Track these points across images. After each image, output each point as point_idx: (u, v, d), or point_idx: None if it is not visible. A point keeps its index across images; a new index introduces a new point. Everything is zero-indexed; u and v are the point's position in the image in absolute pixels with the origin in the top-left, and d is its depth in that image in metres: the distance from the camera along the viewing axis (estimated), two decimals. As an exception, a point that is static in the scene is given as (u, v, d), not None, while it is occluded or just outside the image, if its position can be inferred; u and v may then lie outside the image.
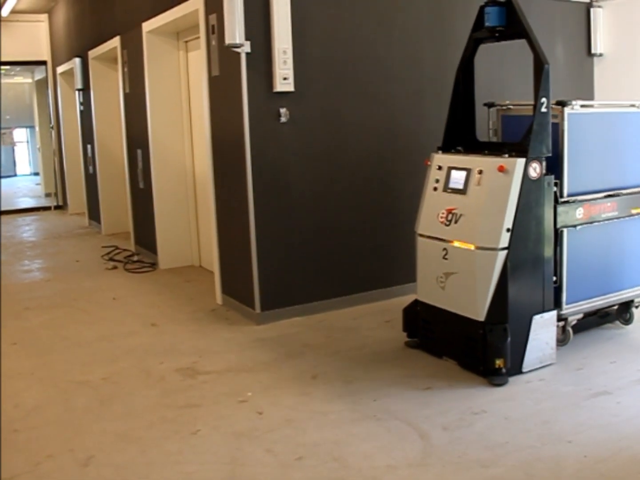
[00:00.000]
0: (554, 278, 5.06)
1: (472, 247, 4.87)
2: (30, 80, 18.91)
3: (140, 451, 4.07)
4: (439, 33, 6.98)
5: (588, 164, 5.23)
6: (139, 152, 9.13)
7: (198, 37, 7.09)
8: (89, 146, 12.02)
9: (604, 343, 5.43)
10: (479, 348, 4.84)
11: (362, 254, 6.72)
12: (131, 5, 8.99)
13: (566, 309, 5.20)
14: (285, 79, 6.08)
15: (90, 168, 12.10)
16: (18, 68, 17.23)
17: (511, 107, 5.65)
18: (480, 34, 5.31)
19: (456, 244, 5.00)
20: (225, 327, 6.31)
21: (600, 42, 7.99)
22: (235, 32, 5.81)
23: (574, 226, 5.12)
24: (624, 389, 4.61)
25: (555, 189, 4.97)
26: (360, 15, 6.51)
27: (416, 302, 5.44)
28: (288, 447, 4.02)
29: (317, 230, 6.48)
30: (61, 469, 3.93)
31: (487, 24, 5.14)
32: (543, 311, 4.96)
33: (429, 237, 5.25)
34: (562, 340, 5.27)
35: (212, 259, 7.25)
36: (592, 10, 7.94)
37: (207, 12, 6.58)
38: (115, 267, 8.94)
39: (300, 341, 5.81)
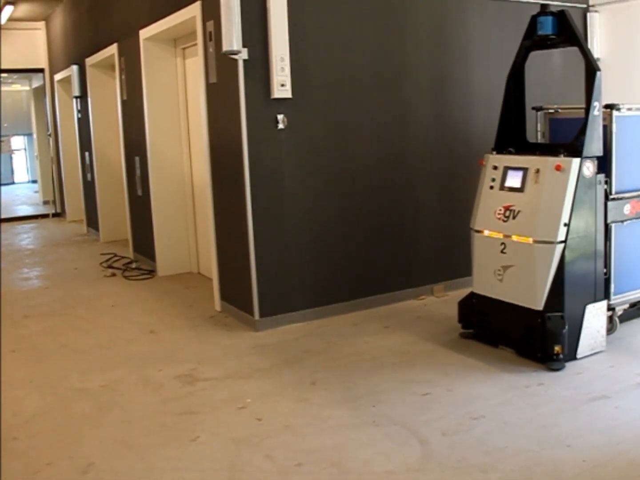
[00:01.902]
0: (604, 270, 5.38)
1: (531, 241, 5.16)
2: (27, 88, 18.90)
3: (139, 458, 4.07)
4: (436, 39, 6.99)
5: (634, 163, 5.56)
6: (137, 159, 9.14)
7: (195, 44, 7.11)
8: (86, 153, 12.02)
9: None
10: (537, 336, 5.14)
11: (360, 259, 6.73)
12: (128, 12, 9.00)
13: (614, 299, 5.54)
14: (282, 85, 6.09)
15: (88, 175, 12.10)
16: (15, 76, 17.25)
17: (559, 110, 5.99)
18: (531, 42, 5.63)
19: (514, 238, 5.28)
20: (224, 333, 6.31)
21: (597, 47, 8.01)
22: (233, 39, 5.82)
23: (622, 221, 5.49)
24: (622, 393, 4.62)
25: (605, 186, 5.29)
26: (357, 22, 6.52)
27: (472, 295, 5.72)
28: (287, 453, 4.02)
29: (316, 236, 6.48)
30: (60, 476, 3.93)
31: (539, 32, 5.46)
32: (595, 301, 5.28)
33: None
34: (610, 329, 5.56)
35: (210, 265, 7.26)
36: (588, 15, 7.96)
37: (205, 19, 6.59)
38: (113, 275, 8.94)
39: (299, 347, 5.82)
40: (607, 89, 7.68)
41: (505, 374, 5.02)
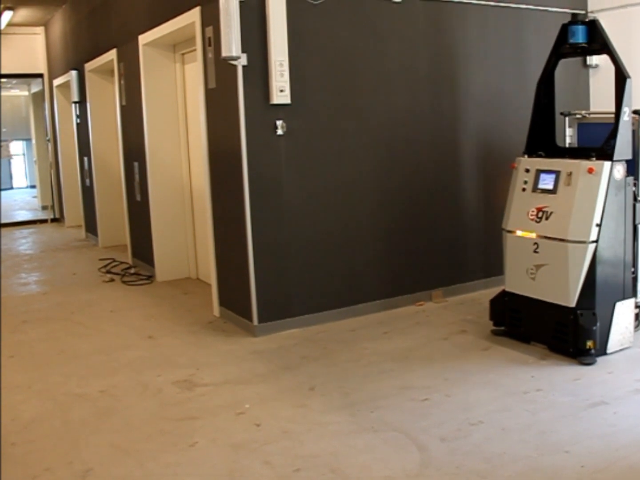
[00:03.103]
0: (632, 269, 5.58)
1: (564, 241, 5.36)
2: (26, 93, 18.89)
3: (138, 464, 4.07)
4: (435, 44, 7.00)
5: None
6: (136, 164, 9.14)
7: (194, 50, 7.12)
8: (85, 159, 12.02)
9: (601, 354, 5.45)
10: (569, 331, 5.35)
11: (358, 265, 6.73)
12: (128, 17, 9.01)
13: None
14: (281, 91, 6.10)
15: (87, 181, 12.10)
16: (14, 81, 17.23)
17: (586, 116, 6.24)
18: (562, 50, 5.85)
19: (547, 238, 5.47)
20: (222, 339, 6.31)
21: (595, 54, 8.03)
22: (232, 44, 5.83)
23: None
24: (621, 399, 4.62)
25: (633, 188, 5.48)
26: (356, 27, 6.53)
27: (503, 293, 5.90)
28: (286, 459, 4.02)
29: (314, 242, 6.48)
30: (59, 482, 3.93)
31: (571, 40, 5.68)
32: (624, 298, 5.48)
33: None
34: (636, 326, 5.75)
35: (209, 271, 7.26)
36: (587, 21, 7.97)
37: (204, 25, 6.60)
38: (112, 280, 8.94)
39: (298, 353, 5.82)
40: (605, 95, 7.71)
41: (504, 380, 5.02)
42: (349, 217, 6.65)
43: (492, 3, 7.28)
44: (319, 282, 6.54)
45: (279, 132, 6.19)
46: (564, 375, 5.05)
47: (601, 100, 7.81)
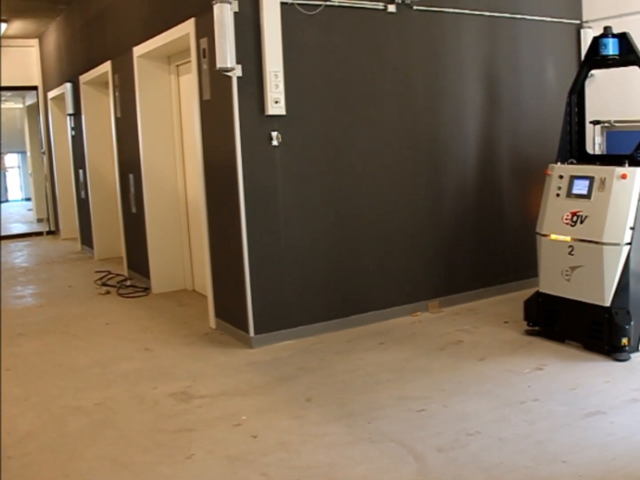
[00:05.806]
0: None
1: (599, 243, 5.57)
2: (21, 106, 18.91)
3: (134, 476, 4.05)
4: (430, 54, 7.01)
5: None
6: (131, 176, 9.14)
7: (189, 61, 7.13)
8: (80, 171, 12.02)
9: (598, 363, 5.45)
10: (604, 330, 5.58)
11: (355, 276, 6.73)
12: (122, 29, 9.02)
13: None
14: (276, 102, 6.10)
15: (82, 193, 12.10)
16: (9, 93, 17.22)
17: (615, 124, 6.52)
18: (593, 62, 6.15)
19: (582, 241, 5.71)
20: (219, 351, 6.30)
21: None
22: (227, 55, 5.84)
23: None
24: (618, 408, 4.61)
25: None
26: (351, 37, 6.54)
27: (537, 294, 6.12)
28: (283, 471, 4.01)
29: (310, 253, 6.48)
30: (55, 495, 3.92)
31: (602, 53, 5.95)
32: None
33: None
34: None
35: (205, 282, 7.25)
36: (582, 31, 7.98)
37: (198, 36, 6.61)
38: (108, 292, 8.92)
39: (294, 364, 5.81)
40: (601, 104, 7.73)
41: (501, 390, 5.02)
42: (345, 229, 6.64)
43: (486, 13, 7.30)
44: (315, 293, 6.53)
45: (274, 143, 6.19)
46: (560, 385, 5.05)
47: (597, 109, 7.83)
